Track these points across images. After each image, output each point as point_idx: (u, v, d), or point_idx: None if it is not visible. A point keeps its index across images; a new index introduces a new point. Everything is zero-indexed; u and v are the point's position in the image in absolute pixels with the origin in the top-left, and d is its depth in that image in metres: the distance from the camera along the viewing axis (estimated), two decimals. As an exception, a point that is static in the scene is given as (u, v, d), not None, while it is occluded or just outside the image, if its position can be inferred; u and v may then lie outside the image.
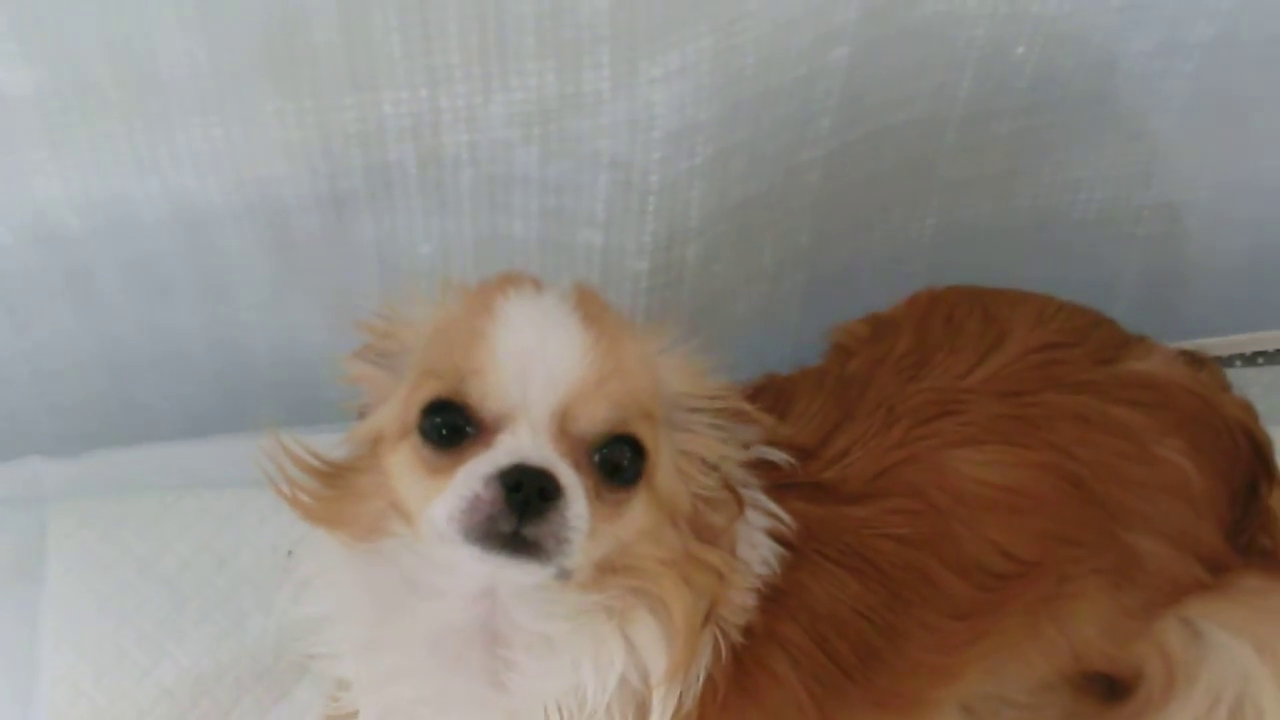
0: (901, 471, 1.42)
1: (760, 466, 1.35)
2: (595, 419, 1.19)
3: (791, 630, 1.36)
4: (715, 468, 1.31)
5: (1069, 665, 1.54)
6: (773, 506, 1.33)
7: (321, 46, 1.48)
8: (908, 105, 1.68)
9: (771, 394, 1.50)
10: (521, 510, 1.15)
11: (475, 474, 1.16)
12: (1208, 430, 1.52)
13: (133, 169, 1.56)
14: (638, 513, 1.24)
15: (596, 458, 1.20)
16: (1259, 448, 1.56)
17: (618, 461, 1.20)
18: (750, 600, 1.33)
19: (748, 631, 1.34)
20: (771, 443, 1.37)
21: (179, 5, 1.44)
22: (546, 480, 1.15)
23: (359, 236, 1.68)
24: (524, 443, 1.17)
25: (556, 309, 1.23)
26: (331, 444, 1.33)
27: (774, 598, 1.34)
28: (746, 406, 1.33)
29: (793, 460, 1.37)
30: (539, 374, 1.18)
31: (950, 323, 1.53)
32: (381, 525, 1.27)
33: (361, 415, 1.33)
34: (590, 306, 1.24)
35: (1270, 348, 1.91)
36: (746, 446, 1.36)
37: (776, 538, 1.34)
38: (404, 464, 1.22)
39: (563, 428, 1.18)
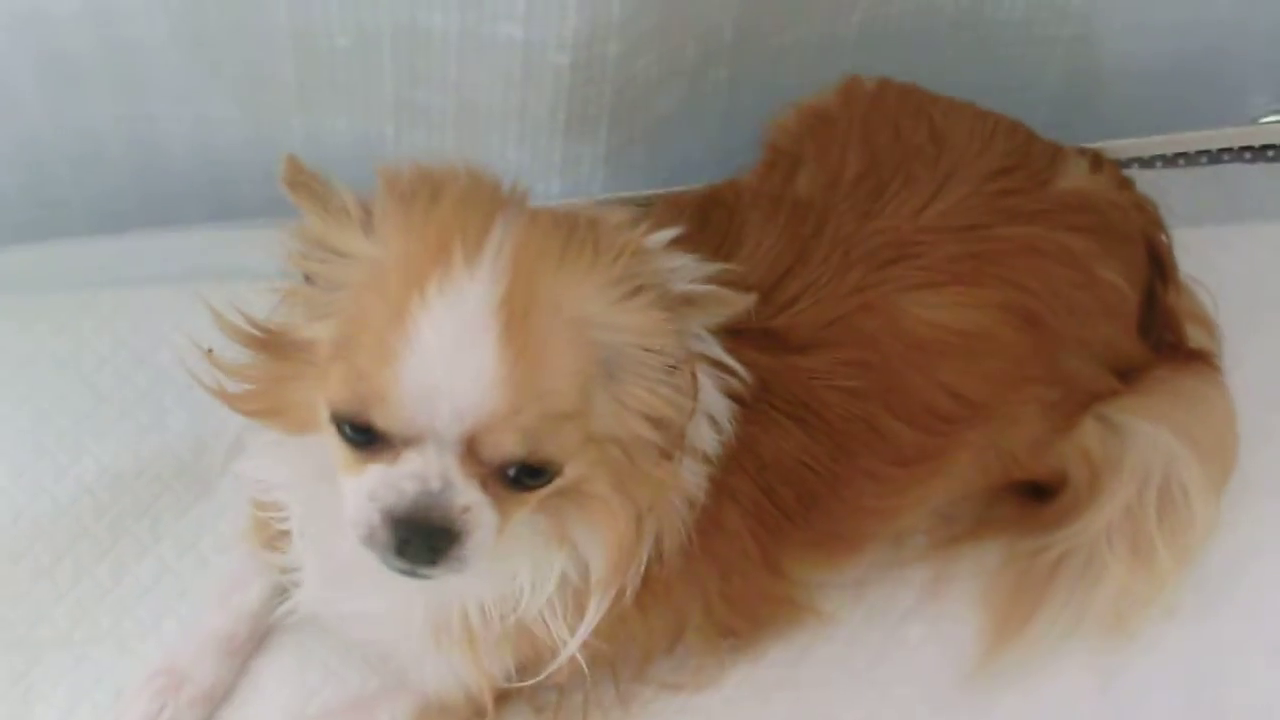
0: (855, 319, 1.44)
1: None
2: (504, 448, 1.18)
3: (740, 482, 1.39)
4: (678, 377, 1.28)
5: (997, 481, 1.60)
6: (731, 362, 1.33)
7: None
8: None
9: (722, 212, 1.52)
10: (413, 554, 1.19)
11: (373, 499, 1.19)
12: (1128, 243, 1.57)
13: None
14: (564, 479, 1.24)
15: (510, 472, 1.19)
16: (1158, 250, 1.62)
17: (528, 471, 1.21)
18: (684, 517, 1.34)
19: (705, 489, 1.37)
20: (726, 283, 1.34)
21: None
22: (438, 537, 1.18)
23: (275, 28, 1.66)
24: (426, 465, 1.18)
25: (479, 317, 1.16)
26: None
27: (725, 452, 1.36)
28: (701, 358, 1.30)
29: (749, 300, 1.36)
30: (445, 407, 1.16)
31: (899, 138, 1.54)
32: (316, 419, 1.26)
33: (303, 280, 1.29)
34: (522, 297, 1.18)
35: (1190, 149, 1.93)
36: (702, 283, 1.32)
37: (731, 394, 1.35)
38: (330, 425, 1.22)
39: (470, 450, 1.17)
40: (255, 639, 1.56)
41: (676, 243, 1.32)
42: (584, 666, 1.39)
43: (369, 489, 1.19)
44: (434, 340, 1.15)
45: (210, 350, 1.41)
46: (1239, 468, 1.63)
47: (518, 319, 1.16)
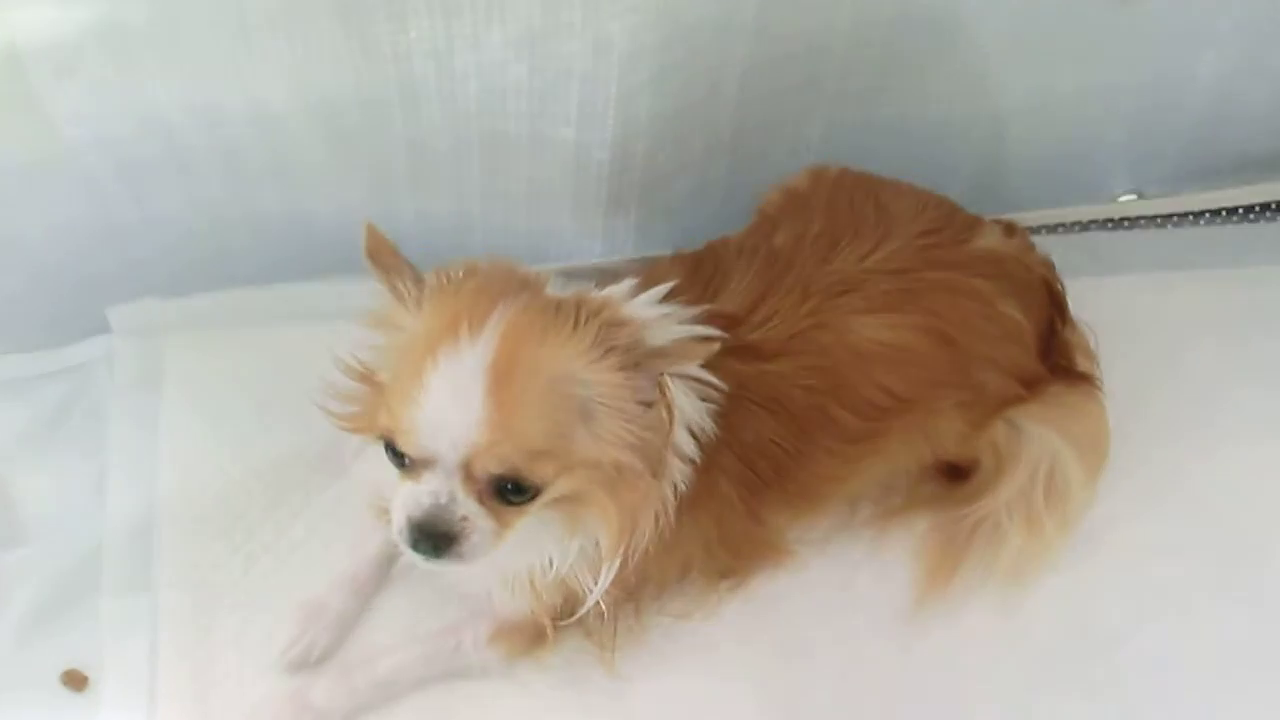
0: (812, 334, 1.46)
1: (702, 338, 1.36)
2: (488, 470, 1.22)
3: (727, 458, 1.42)
4: (655, 401, 1.29)
5: (927, 462, 1.63)
6: (709, 377, 1.36)
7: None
8: (801, 37, 1.67)
9: (711, 264, 1.53)
10: (425, 551, 1.25)
11: (403, 509, 1.25)
12: (1028, 288, 1.59)
13: (222, 77, 1.58)
14: (555, 491, 1.26)
15: (495, 489, 1.23)
16: (1055, 296, 1.64)
17: (515, 490, 1.24)
18: (668, 514, 1.36)
19: (696, 463, 1.37)
20: (710, 318, 1.38)
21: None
22: (440, 539, 1.23)
23: (394, 135, 1.68)
24: (438, 484, 1.22)
25: (472, 376, 1.20)
26: (373, 290, 1.33)
27: (715, 437, 1.39)
28: (669, 389, 1.29)
29: (724, 334, 1.35)
30: (445, 440, 1.21)
31: (852, 208, 1.55)
32: None
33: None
34: (505, 362, 1.21)
35: (1068, 220, 1.93)
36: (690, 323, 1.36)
37: (711, 397, 1.38)
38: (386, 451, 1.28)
39: (468, 473, 1.22)
40: (376, 581, 1.61)
41: (672, 292, 1.38)
42: (604, 609, 1.43)
43: (403, 500, 1.25)
44: (439, 391, 1.20)
45: (348, 358, 1.43)
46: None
47: (501, 379, 1.20)
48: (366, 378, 1.33)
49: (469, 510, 1.24)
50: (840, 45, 1.69)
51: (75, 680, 1.59)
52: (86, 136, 1.62)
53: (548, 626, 1.50)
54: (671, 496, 1.36)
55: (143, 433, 1.72)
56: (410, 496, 1.25)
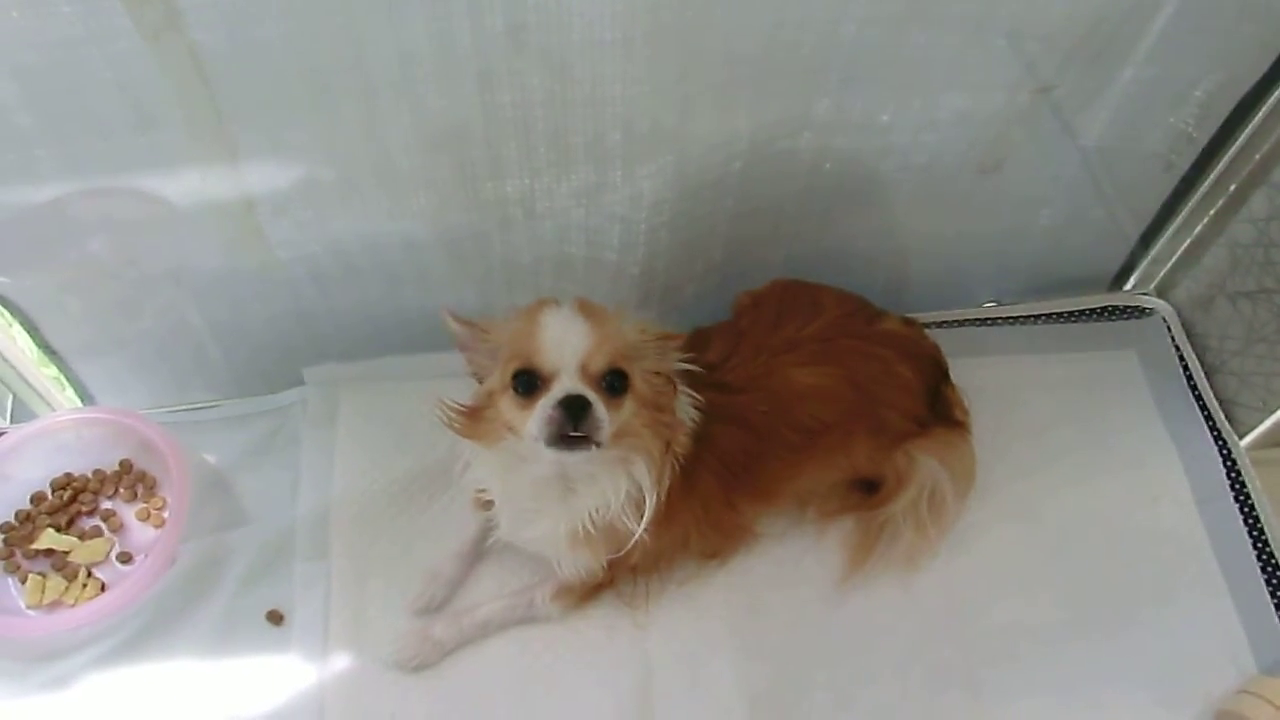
0: (764, 379, 1.50)
1: (690, 375, 1.42)
2: (598, 365, 1.26)
3: (710, 460, 1.46)
4: (663, 376, 1.36)
5: (848, 474, 1.64)
6: (691, 393, 1.42)
7: (475, 155, 1.48)
8: (769, 195, 1.68)
9: (700, 337, 1.57)
10: (573, 418, 1.23)
11: (547, 404, 1.26)
12: (920, 358, 1.63)
13: (382, 217, 1.59)
14: (628, 405, 1.31)
15: (604, 383, 1.27)
16: (940, 365, 1.68)
17: (614, 383, 1.28)
18: (687, 443, 1.39)
19: (689, 459, 1.40)
20: (695, 363, 1.43)
21: (404, 139, 1.45)
22: (582, 400, 1.24)
23: (493, 254, 1.68)
24: (567, 383, 1.26)
25: (570, 315, 1.28)
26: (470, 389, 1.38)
27: (700, 442, 1.41)
28: (669, 340, 1.36)
29: (704, 371, 1.44)
30: (567, 349, 1.26)
31: (795, 301, 1.60)
32: (501, 435, 1.34)
33: (477, 380, 1.38)
34: (587, 310, 1.30)
35: (950, 319, 1.92)
36: (678, 363, 1.40)
37: (696, 408, 1.43)
38: (508, 403, 1.30)
39: (583, 372, 1.26)
40: (475, 554, 1.64)
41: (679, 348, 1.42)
42: (649, 544, 1.39)
43: (541, 406, 1.25)
44: (554, 327, 1.27)
45: (454, 400, 1.42)
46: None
47: (588, 318, 1.27)
48: (470, 408, 1.37)
49: (589, 394, 1.24)
50: (795, 200, 1.71)
51: (275, 618, 1.62)
52: (291, 255, 1.65)
53: (603, 570, 1.49)
54: (680, 453, 1.38)
55: (323, 452, 1.76)
56: (548, 398, 1.25)
